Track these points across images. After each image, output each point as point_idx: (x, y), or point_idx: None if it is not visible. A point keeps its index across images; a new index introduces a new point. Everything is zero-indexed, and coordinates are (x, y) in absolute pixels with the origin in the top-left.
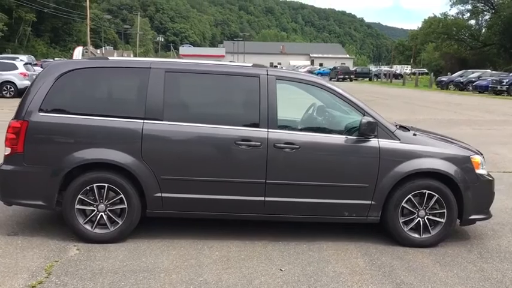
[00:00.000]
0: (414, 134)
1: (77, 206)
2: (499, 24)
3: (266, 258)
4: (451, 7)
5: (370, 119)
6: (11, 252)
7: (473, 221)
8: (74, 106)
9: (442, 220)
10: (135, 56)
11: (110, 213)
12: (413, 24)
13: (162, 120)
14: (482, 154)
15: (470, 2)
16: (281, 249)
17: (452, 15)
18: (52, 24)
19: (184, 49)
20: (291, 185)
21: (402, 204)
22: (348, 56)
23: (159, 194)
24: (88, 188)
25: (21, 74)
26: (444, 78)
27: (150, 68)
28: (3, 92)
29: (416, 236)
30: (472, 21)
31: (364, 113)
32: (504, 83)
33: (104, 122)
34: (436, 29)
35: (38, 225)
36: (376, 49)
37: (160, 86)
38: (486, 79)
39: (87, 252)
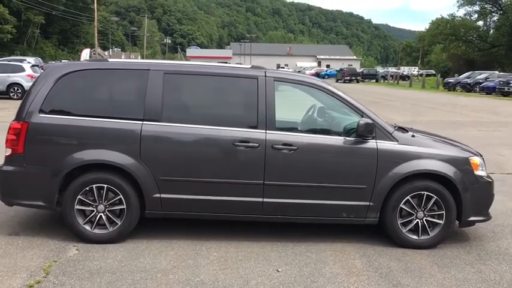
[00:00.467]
0: (412, 136)
1: (77, 207)
2: (507, 25)
3: (264, 259)
4: (459, 8)
5: (368, 121)
6: (11, 252)
7: (473, 222)
8: (73, 107)
9: (440, 222)
10: (142, 57)
11: (109, 214)
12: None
13: (160, 122)
14: (481, 155)
15: (478, 3)
16: (279, 250)
17: (460, 17)
18: (60, 26)
19: (191, 51)
20: (289, 186)
21: (400, 205)
22: (355, 57)
23: (157, 195)
24: (87, 188)
25: (28, 76)
26: (451, 80)
27: (149, 70)
28: (11, 94)
29: (415, 237)
30: (480, 22)
31: (362, 114)
32: (511, 84)
33: (103, 123)
34: (444, 30)
35: (38, 225)
36: (384, 50)
37: (159, 88)
38: (493, 80)
39: (86, 253)
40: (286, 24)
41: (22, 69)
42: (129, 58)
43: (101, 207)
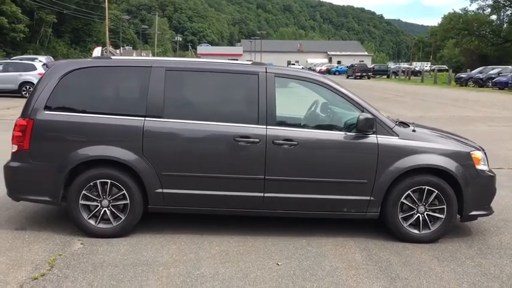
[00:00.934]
0: (413, 130)
1: (81, 202)
2: None
3: (264, 253)
4: (472, 2)
5: (368, 116)
6: (17, 246)
7: (474, 217)
8: (77, 104)
9: (441, 216)
10: (153, 55)
11: (113, 209)
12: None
13: (162, 118)
14: (484, 150)
15: None
16: (280, 245)
17: (473, 11)
18: (72, 25)
19: (202, 48)
20: (289, 181)
21: (401, 200)
22: (366, 53)
23: (160, 190)
24: (92, 184)
25: (39, 74)
26: (463, 75)
27: (151, 66)
28: (23, 92)
29: (416, 231)
30: (493, 17)
31: (362, 109)
32: None
33: (106, 119)
34: (456, 25)
35: (45, 220)
36: (396, 46)
37: (161, 84)
38: (506, 75)
39: (91, 246)
40: (297, 20)
41: (34, 68)
42: (140, 56)
43: (105, 202)
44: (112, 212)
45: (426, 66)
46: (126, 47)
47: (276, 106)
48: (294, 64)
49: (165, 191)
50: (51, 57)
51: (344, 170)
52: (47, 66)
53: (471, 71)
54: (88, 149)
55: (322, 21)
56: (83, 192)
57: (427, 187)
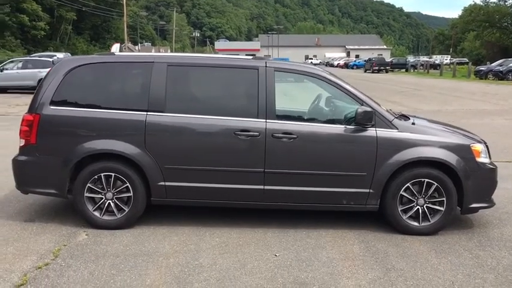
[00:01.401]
0: (413, 123)
1: (86, 194)
2: None
3: (264, 244)
4: None
5: (367, 109)
6: (25, 237)
7: (475, 209)
8: (82, 99)
9: (441, 208)
10: (172, 51)
11: (117, 201)
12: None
13: (164, 112)
14: (485, 143)
15: None
16: (280, 236)
17: (494, 2)
18: (92, 22)
19: (219, 44)
20: (289, 173)
21: (401, 192)
22: (385, 47)
23: (162, 183)
24: (96, 177)
25: None
26: (483, 68)
27: (153, 62)
28: None
29: (416, 224)
30: None
31: (361, 102)
32: None
33: (110, 114)
34: (477, 16)
35: (54, 212)
36: (416, 39)
37: (163, 79)
38: None
39: (95, 237)
40: (315, 14)
41: (52, 65)
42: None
43: (109, 194)
44: (116, 204)
45: (446, 60)
46: (145, 43)
47: (276, 100)
48: (311, 59)
49: (167, 183)
50: (68, 54)
51: (343, 163)
52: (53, 63)
53: (491, 63)
54: (92, 143)
55: (340, 15)
56: (88, 185)
57: (426, 180)
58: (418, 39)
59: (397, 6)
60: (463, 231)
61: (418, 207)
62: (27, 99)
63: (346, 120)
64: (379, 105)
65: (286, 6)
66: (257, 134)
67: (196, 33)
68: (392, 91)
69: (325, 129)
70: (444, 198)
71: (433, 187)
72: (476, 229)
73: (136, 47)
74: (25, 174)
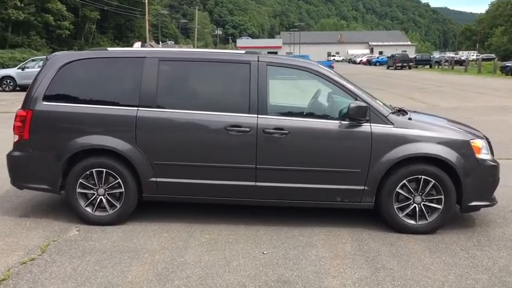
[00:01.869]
0: (409, 118)
1: (79, 190)
2: None
3: (253, 242)
4: None
5: (360, 104)
6: (17, 232)
7: (476, 207)
8: (74, 95)
9: (439, 206)
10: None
11: (108, 197)
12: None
13: (155, 108)
14: (487, 139)
15: None
16: (271, 234)
17: None
18: (115, 21)
19: (241, 41)
20: (281, 170)
21: (397, 189)
22: (409, 43)
23: (153, 179)
24: (88, 172)
25: None
26: (509, 64)
27: (145, 57)
28: None
29: (412, 222)
30: None
31: (356, 97)
32: None
33: (101, 109)
34: (504, 11)
35: (50, 208)
36: (443, 35)
37: (154, 74)
38: None
39: (86, 233)
40: (339, 11)
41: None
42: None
43: (101, 190)
44: (108, 200)
45: (473, 55)
46: (168, 42)
47: (268, 95)
48: (334, 56)
49: (158, 179)
50: None
51: (336, 159)
52: (47, 59)
53: None
54: (84, 138)
55: (365, 11)
56: (80, 180)
57: (423, 176)
58: (445, 35)
59: (423, 1)
60: (463, 230)
61: (415, 205)
62: None
63: (341, 116)
64: (375, 100)
65: (309, 3)
66: (248, 129)
67: (219, 31)
68: (413, 88)
69: (318, 125)
70: (442, 196)
71: (431, 184)
72: (478, 228)
73: (160, 45)
74: (19, 169)
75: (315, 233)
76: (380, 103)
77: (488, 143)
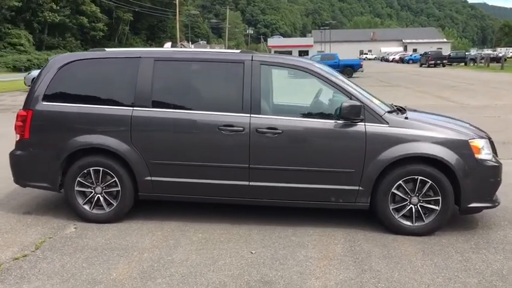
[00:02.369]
0: (406, 118)
1: (77, 188)
2: None
3: (245, 241)
4: None
5: (354, 103)
6: (17, 229)
7: (476, 209)
8: (72, 95)
9: (436, 208)
10: (225, 49)
11: (106, 195)
12: None
13: (149, 107)
14: (489, 138)
15: None
16: (264, 234)
17: None
18: (148, 22)
19: (272, 40)
20: (274, 169)
21: (392, 190)
22: (445, 40)
23: (149, 178)
24: (86, 171)
25: None
26: None
27: (141, 57)
28: None
29: (409, 223)
30: None
31: (350, 96)
32: None
33: (98, 109)
34: None
35: (53, 205)
36: (481, 31)
37: (149, 74)
38: None
39: (82, 231)
40: (373, 8)
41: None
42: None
43: (98, 189)
44: (105, 199)
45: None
46: (200, 42)
47: (262, 94)
48: (366, 54)
49: (153, 178)
50: None
51: (330, 159)
52: (47, 60)
53: None
54: (81, 137)
55: (399, 8)
56: (78, 179)
57: (419, 177)
58: (484, 31)
59: None
60: (462, 232)
61: (411, 206)
62: None
63: (336, 115)
64: (371, 99)
65: (342, 1)
66: (241, 129)
67: (250, 31)
68: (443, 86)
69: (312, 124)
70: (439, 197)
71: (428, 185)
72: (479, 230)
73: (192, 45)
74: (20, 168)
75: (308, 233)
76: (376, 102)
77: (491, 143)
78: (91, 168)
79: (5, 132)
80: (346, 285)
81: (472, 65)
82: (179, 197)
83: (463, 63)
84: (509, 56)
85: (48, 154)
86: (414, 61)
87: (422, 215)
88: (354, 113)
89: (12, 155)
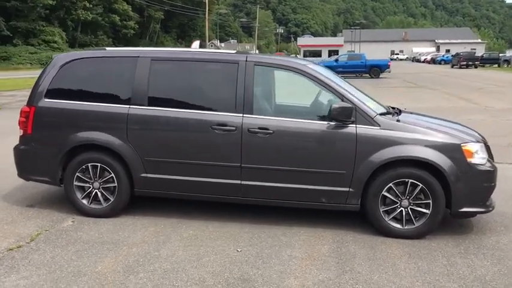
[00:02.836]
0: (397, 120)
1: (75, 183)
2: None
3: (234, 239)
4: None
5: (345, 104)
6: (18, 221)
7: (469, 214)
8: (73, 92)
9: (427, 211)
10: (257, 48)
11: (103, 191)
12: None
13: (145, 106)
14: (485, 142)
15: None
16: (254, 232)
17: None
18: (179, 20)
19: (302, 39)
20: (265, 169)
21: (383, 192)
22: (479, 40)
23: (144, 174)
24: (84, 167)
25: None
26: None
27: (138, 57)
28: None
29: (399, 226)
30: None
31: (342, 98)
32: None
33: (97, 107)
34: None
35: (56, 199)
36: None
37: (146, 73)
38: None
39: (79, 224)
40: (406, 8)
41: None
42: (244, 48)
43: (96, 184)
44: (102, 194)
45: None
46: (231, 40)
47: (255, 94)
48: (397, 54)
49: (148, 175)
50: None
51: (321, 160)
52: (51, 58)
53: None
54: (80, 134)
55: (434, 7)
56: (77, 174)
57: (410, 180)
58: None
59: None
60: (454, 237)
61: (401, 208)
62: None
63: (327, 117)
64: (362, 101)
65: (375, 0)
66: (233, 128)
67: (281, 30)
68: (470, 88)
69: (304, 125)
70: (430, 201)
71: (418, 188)
72: (472, 235)
73: (223, 44)
74: (23, 162)
75: (298, 233)
76: (369, 104)
77: (487, 147)
78: (89, 164)
79: None
80: (323, 285)
81: (506, 66)
82: (173, 194)
83: (496, 65)
84: None
85: (49, 149)
86: (446, 62)
87: (413, 218)
88: (345, 114)
89: (16, 149)
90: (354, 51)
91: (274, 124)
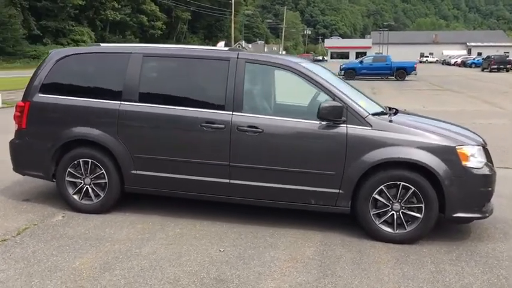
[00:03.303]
0: (390, 121)
1: (67, 178)
2: None
3: (219, 239)
4: None
5: (334, 104)
6: (9, 215)
7: (464, 219)
8: (67, 88)
9: (419, 215)
10: (285, 49)
11: (94, 187)
12: None
13: (135, 102)
14: (483, 146)
15: None
16: (241, 232)
17: None
18: (206, 21)
19: (330, 41)
20: (254, 168)
21: (374, 195)
22: None
23: (134, 171)
24: (76, 162)
25: None
26: None
27: (131, 53)
28: None
29: (390, 230)
30: None
31: (333, 97)
32: None
33: (89, 102)
34: None
35: (52, 195)
36: None
37: (138, 70)
38: None
39: (68, 219)
40: (438, 10)
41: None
42: (271, 49)
43: (87, 180)
44: (93, 190)
45: None
46: (258, 41)
47: (245, 92)
48: (427, 56)
49: (138, 172)
50: None
51: (310, 160)
52: (48, 54)
53: None
54: (72, 129)
55: (467, 9)
56: (68, 169)
57: (402, 183)
58: None
59: None
60: (449, 243)
61: (393, 212)
62: None
63: (317, 116)
64: (354, 101)
65: (406, 2)
66: (222, 126)
67: (308, 31)
68: (496, 92)
69: (294, 124)
70: (422, 205)
71: (410, 191)
72: (468, 241)
73: (250, 45)
74: (18, 156)
75: (286, 234)
76: (362, 104)
77: (486, 150)
78: (81, 160)
79: None
80: None
81: None
82: (162, 192)
83: None
84: None
85: (42, 144)
86: (477, 65)
87: (404, 223)
88: (335, 114)
89: (11, 143)
90: (381, 53)
91: (263, 123)
